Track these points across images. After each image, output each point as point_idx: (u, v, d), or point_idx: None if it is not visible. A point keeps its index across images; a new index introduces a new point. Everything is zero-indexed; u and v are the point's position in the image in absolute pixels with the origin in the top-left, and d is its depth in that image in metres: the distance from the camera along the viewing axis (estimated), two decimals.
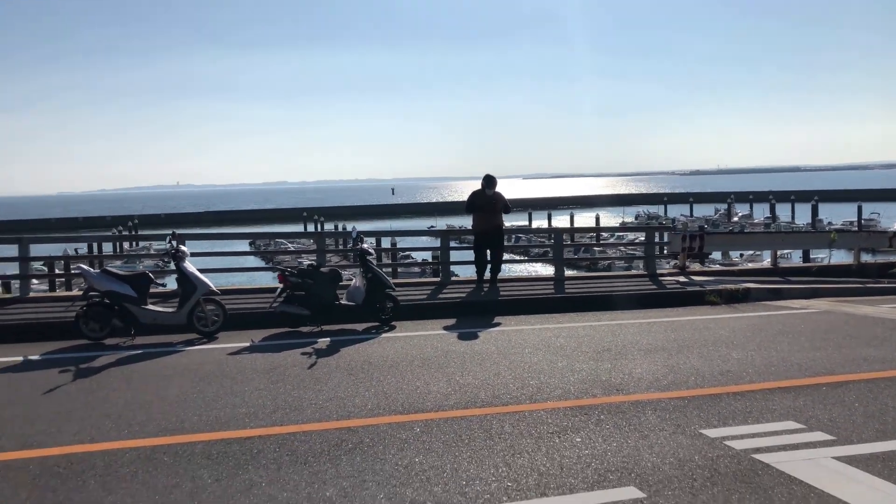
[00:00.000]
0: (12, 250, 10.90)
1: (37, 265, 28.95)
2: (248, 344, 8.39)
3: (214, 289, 9.09)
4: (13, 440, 5.13)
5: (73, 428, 5.39)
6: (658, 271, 13.88)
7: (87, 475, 4.51)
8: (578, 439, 5.13)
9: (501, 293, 11.29)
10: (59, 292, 13.81)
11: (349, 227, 13.35)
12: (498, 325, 9.56)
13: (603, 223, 57.13)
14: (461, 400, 6.05)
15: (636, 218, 68.94)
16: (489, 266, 11.95)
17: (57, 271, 25.67)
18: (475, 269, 12.09)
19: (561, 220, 61.98)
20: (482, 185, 11.85)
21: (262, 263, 34.99)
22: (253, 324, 9.35)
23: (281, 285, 9.45)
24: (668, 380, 6.64)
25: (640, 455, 4.79)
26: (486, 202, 11.74)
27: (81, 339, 8.49)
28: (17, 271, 11.15)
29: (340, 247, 21.33)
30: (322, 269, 9.87)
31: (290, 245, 43.12)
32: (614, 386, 6.46)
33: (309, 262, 10.74)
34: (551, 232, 18.46)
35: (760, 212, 70.44)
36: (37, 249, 22.06)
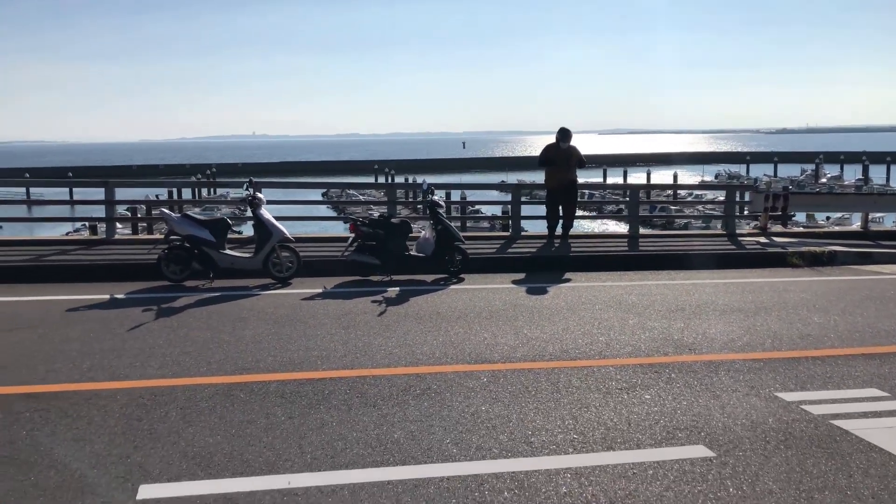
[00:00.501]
0: (99, 193, 11.40)
1: (121, 209, 30.24)
2: (320, 290, 8.58)
3: (289, 236, 9.30)
4: (103, 372, 5.43)
5: (157, 363, 5.66)
6: (737, 231, 13.42)
7: (169, 407, 4.74)
8: (647, 396, 5.07)
9: (573, 249, 11.15)
10: (142, 235, 14.39)
11: (419, 179, 13.38)
12: (568, 280, 9.47)
13: (681, 182, 55.41)
14: (529, 353, 6.05)
15: (716, 177, 66.45)
16: (561, 222, 11.79)
17: (139, 215, 26.74)
18: (546, 225, 11.95)
19: (637, 178, 60.50)
20: (556, 138, 11.63)
21: (333, 213, 35.61)
22: (325, 271, 9.55)
23: (353, 235, 9.58)
24: (744, 341, 6.46)
25: (710, 415, 4.70)
26: (560, 156, 11.52)
27: (163, 281, 8.86)
28: (103, 214, 11.67)
29: (411, 199, 21.43)
30: (393, 220, 9.95)
31: (360, 196, 43.66)
32: (686, 345, 6.33)
33: (380, 213, 10.84)
34: (626, 188, 18.04)
35: (852, 173, 66.64)
36: (121, 194, 23.03)
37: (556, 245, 11.48)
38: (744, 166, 78.76)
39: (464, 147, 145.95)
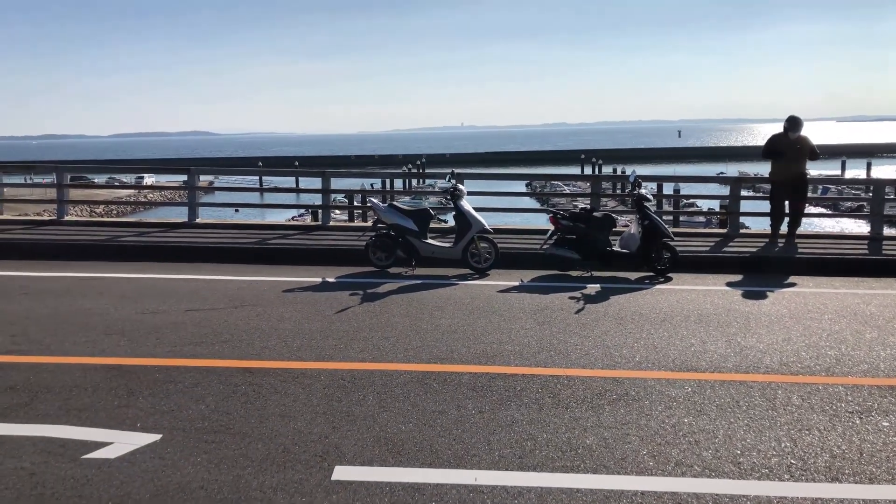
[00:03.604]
0: (318, 182, 12.25)
1: (339, 197, 32.54)
2: (517, 283, 8.50)
3: (488, 227, 9.33)
4: (311, 352, 5.76)
5: (359, 346, 5.90)
6: None
7: (366, 390, 4.90)
8: (885, 424, 4.37)
9: (800, 250, 10.04)
10: (357, 223, 15.28)
11: (628, 170, 12.82)
12: (792, 285, 8.54)
13: None
14: (741, 363, 5.49)
15: None
16: (787, 219, 10.69)
17: (355, 203, 28.58)
18: (770, 222, 10.89)
19: (883, 171, 53.74)
20: (784, 127, 10.53)
21: (536, 205, 35.59)
22: (523, 264, 9.46)
23: (553, 227, 9.39)
24: None
25: None
26: (789, 147, 10.41)
27: (369, 266, 9.30)
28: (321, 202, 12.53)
29: (618, 191, 20.76)
30: (595, 214, 9.60)
31: (565, 187, 43.18)
32: None
33: (583, 206, 10.53)
34: (868, 183, 15.99)
35: None
36: (339, 183, 24.77)
37: (781, 245, 10.41)
38: None
39: (679, 136, 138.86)
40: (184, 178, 12.58)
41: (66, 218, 12.42)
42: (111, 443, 4.10)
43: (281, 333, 6.25)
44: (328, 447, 4.05)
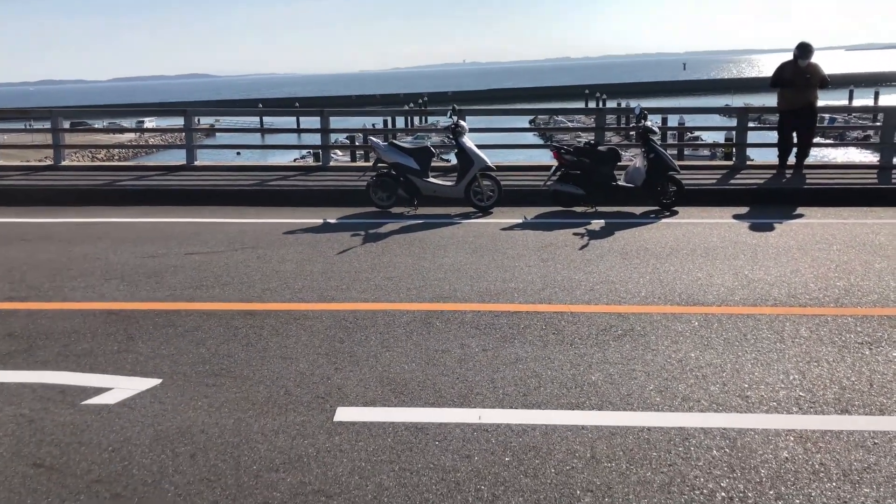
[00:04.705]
0: (316, 123, 12.00)
1: (340, 137, 32.13)
2: (520, 220, 8.38)
3: (490, 164, 9.14)
4: (313, 293, 5.69)
5: (361, 287, 5.82)
6: None
7: (369, 331, 4.84)
8: None
9: (808, 181, 9.84)
10: (359, 163, 15.08)
11: (633, 104, 12.50)
12: (800, 216, 8.39)
13: None
14: (749, 296, 5.41)
15: None
16: (795, 149, 10.45)
17: (357, 143, 28.15)
18: (777, 153, 10.65)
19: (892, 100, 52.77)
20: (794, 54, 10.18)
21: (539, 141, 35.11)
22: (527, 201, 9.31)
23: (556, 163, 9.20)
24: None
25: None
26: (798, 75, 10.08)
27: (371, 207, 9.16)
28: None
29: (622, 125, 20.37)
30: (600, 148, 9.39)
31: (568, 123, 42.57)
32: None
33: (587, 141, 10.30)
34: (877, 111, 15.61)
35: None
36: (340, 123, 24.42)
37: (788, 176, 10.22)
38: None
39: (684, 68, 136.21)
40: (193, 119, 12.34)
41: (64, 163, 12.25)
42: (111, 388, 4.06)
43: (282, 275, 6.18)
44: (330, 388, 4.00)
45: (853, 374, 4.06)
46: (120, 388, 4.07)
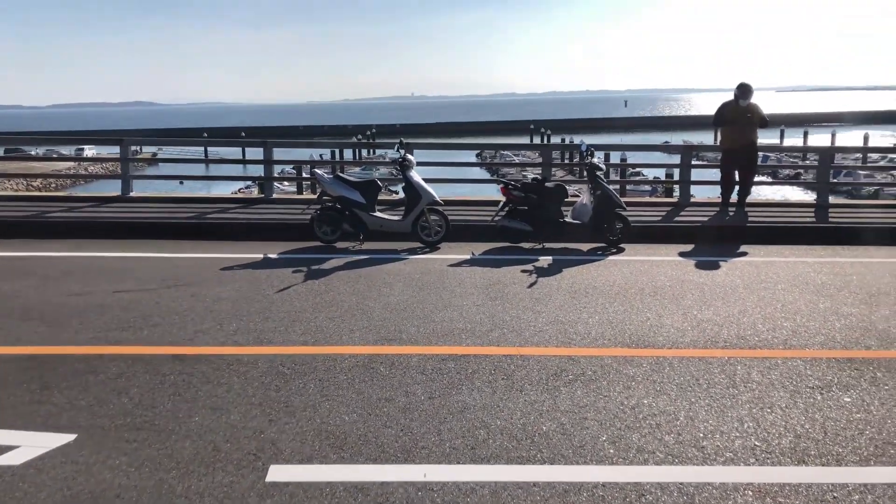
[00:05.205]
0: (260, 153, 11.67)
1: (287, 168, 31.66)
2: (468, 256, 8.21)
3: (438, 199, 8.99)
4: (249, 336, 5.37)
5: (301, 328, 5.53)
6: None
7: (307, 378, 4.55)
8: (847, 399, 4.24)
9: (750, 218, 9.99)
10: (306, 195, 14.76)
11: (576, 140, 12.58)
12: (744, 254, 8.45)
13: (873, 144, 49.68)
14: (699, 338, 5.32)
15: None
16: (737, 188, 10.62)
17: (304, 175, 27.75)
18: (720, 191, 10.81)
19: (819, 140, 55.00)
20: (735, 94, 10.40)
21: (486, 175, 35.31)
22: (474, 236, 9.16)
23: (504, 199, 9.10)
24: None
25: None
26: (740, 114, 10.29)
27: (315, 241, 8.87)
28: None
29: (566, 160, 20.58)
30: (547, 184, 9.34)
31: (514, 157, 43.02)
32: (894, 338, 5.32)
33: (533, 176, 10.25)
34: (814, 151, 16.12)
35: None
36: (287, 154, 24.04)
37: (731, 213, 10.36)
38: None
39: (625, 105, 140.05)
40: (133, 148, 11.83)
41: None
42: (17, 446, 3.68)
43: (216, 315, 5.84)
44: (263, 443, 3.70)
45: (806, 420, 3.97)
46: (28, 445, 3.69)
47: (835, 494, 3.23)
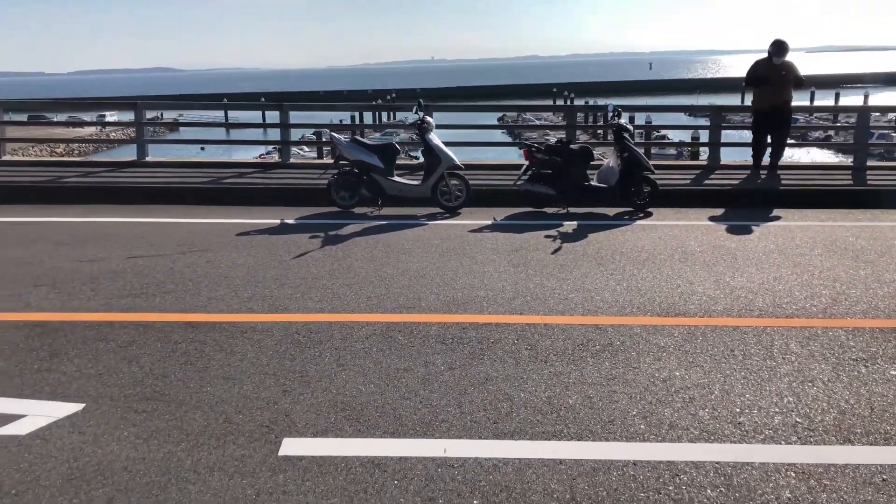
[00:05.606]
0: (277, 117, 11.43)
1: (307, 133, 31.44)
2: (489, 222, 7.97)
3: (458, 163, 8.72)
4: (263, 302, 5.21)
5: (317, 295, 5.36)
6: None
7: (323, 346, 4.39)
8: (894, 372, 3.98)
9: (783, 182, 9.61)
10: (326, 159, 14.53)
11: (601, 102, 12.19)
12: (777, 218, 8.12)
13: None
14: (733, 306, 5.06)
15: None
16: (769, 149, 10.21)
17: (324, 139, 27.49)
18: (751, 153, 10.41)
19: (850, 101, 53.58)
20: (769, 52, 9.93)
21: (508, 139, 34.77)
22: (496, 201, 8.90)
23: (527, 162, 8.81)
24: None
25: None
26: (774, 72, 9.84)
27: (333, 207, 8.67)
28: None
29: (590, 122, 20.07)
30: (572, 146, 9.04)
31: (537, 120, 42.33)
32: None
33: (557, 139, 9.93)
34: (849, 111, 15.51)
35: None
36: (306, 117, 23.78)
37: (763, 176, 9.97)
38: None
39: (650, 68, 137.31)
40: (155, 113, 11.69)
41: (5, 158, 11.51)
42: (24, 415, 3.56)
43: (231, 282, 5.68)
44: (277, 415, 3.54)
45: (851, 395, 3.73)
46: (35, 414, 3.57)
47: (884, 476, 3.01)
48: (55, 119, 38.30)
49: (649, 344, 4.39)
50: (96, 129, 45.00)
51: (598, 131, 24.82)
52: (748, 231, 7.44)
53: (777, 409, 3.58)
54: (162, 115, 44.28)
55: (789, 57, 9.86)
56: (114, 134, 44.80)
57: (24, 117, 35.63)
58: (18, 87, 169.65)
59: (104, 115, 45.69)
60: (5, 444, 3.29)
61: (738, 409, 3.57)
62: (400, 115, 47.48)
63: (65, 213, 8.40)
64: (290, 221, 8.00)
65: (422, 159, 9.14)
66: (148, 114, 12.29)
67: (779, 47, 9.84)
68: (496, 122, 40.92)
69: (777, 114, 9.93)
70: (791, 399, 3.69)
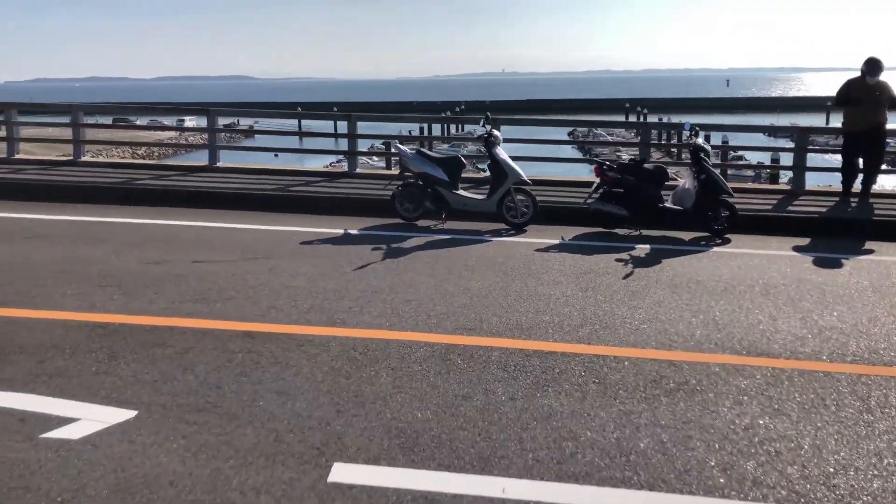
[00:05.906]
0: (343, 127, 11.43)
1: (377, 143, 31.75)
2: (557, 241, 7.69)
3: (525, 178, 8.48)
4: (322, 314, 5.09)
5: (376, 310, 5.21)
6: None
7: (380, 365, 4.22)
8: None
9: (877, 211, 8.98)
10: (394, 170, 14.51)
11: (675, 120, 11.74)
12: (870, 252, 7.56)
13: None
14: (822, 348, 4.66)
15: None
16: (860, 176, 9.60)
17: (393, 150, 27.69)
18: (841, 178, 9.80)
19: None
20: (862, 70, 9.36)
21: (578, 155, 34.23)
22: (564, 219, 8.61)
23: (598, 180, 8.50)
24: None
25: None
26: (867, 92, 9.25)
27: (396, 218, 8.56)
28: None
29: (663, 140, 19.50)
30: (646, 165, 8.68)
31: (609, 136, 41.63)
32: None
33: (630, 157, 9.58)
34: None
35: None
36: (374, 128, 23.97)
37: (854, 204, 9.37)
38: None
39: (727, 85, 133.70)
40: (231, 120, 11.94)
41: (83, 159, 11.85)
42: (77, 419, 3.52)
43: (292, 291, 5.59)
44: (328, 437, 3.39)
45: None
46: (88, 419, 3.52)
47: None
48: (137, 122, 39.70)
49: (729, 385, 4.05)
50: (175, 133, 46.60)
51: (672, 150, 24.15)
52: (838, 264, 6.94)
53: (876, 472, 3.21)
54: (238, 121, 45.52)
55: (884, 76, 9.28)
56: (192, 138, 46.34)
57: (108, 120, 37.11)
58: (105, 92, 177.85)
59: (183, 120, 47.27)
60: (57, 448, 3.24)
61: (831, 469, 3.22)
62: (468, 127, 47.51)
63: (135, 215, 8.54)
64: (354, 232, 7.91)
65: (489, 173, 8.96)
66: (224, 120, 12.52)
67: (873, 66, 9.26)
68: (566, 137, 40.46)
69: (870, 137, 9.33)
70: (892, 461, 3.31)
